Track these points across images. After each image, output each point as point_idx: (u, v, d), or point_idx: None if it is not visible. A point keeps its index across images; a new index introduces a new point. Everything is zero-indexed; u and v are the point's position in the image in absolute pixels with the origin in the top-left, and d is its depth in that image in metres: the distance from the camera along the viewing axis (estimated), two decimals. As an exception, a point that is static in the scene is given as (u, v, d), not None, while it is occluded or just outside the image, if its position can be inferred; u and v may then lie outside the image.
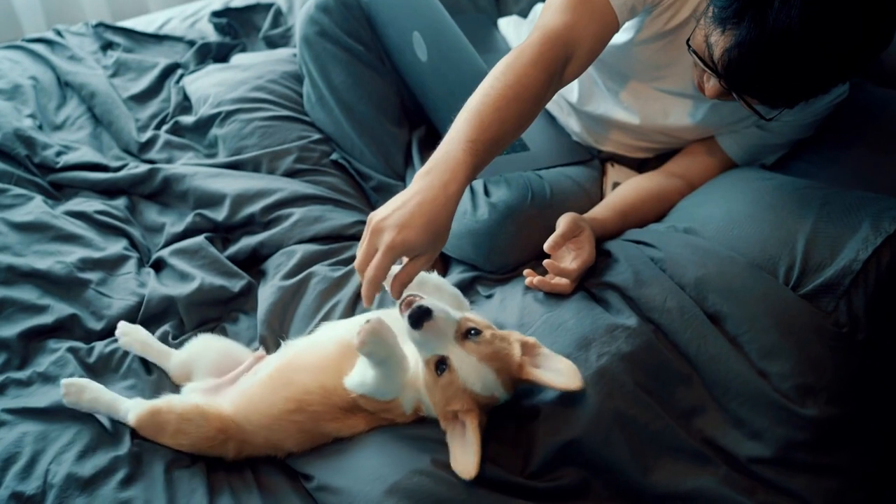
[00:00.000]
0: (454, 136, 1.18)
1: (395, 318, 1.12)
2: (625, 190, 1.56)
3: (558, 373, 1.13)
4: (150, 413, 1.18)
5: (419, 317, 1.07)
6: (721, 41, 1.17)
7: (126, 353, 1.36)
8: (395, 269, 1.14)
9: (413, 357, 1.15)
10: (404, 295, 1.11)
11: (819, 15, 1.07)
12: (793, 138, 1.51)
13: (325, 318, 1.41)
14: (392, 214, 1.09)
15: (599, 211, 1.49)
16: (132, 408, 1.19)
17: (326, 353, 1.19)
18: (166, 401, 1.21)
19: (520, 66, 1.24)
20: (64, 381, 1.21)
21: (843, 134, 1.50)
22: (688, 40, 1.27)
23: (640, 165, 1.70)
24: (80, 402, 1.20)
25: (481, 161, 1.18)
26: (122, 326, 1.37)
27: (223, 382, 1.26)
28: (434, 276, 1.26)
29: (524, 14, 2.02)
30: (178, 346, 1.38)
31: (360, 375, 1.12)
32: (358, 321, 1.27)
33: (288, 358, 1.23)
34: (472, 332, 1.11)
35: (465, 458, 1.07)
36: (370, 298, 1.10)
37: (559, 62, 1.28)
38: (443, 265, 1.58)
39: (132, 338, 1.35)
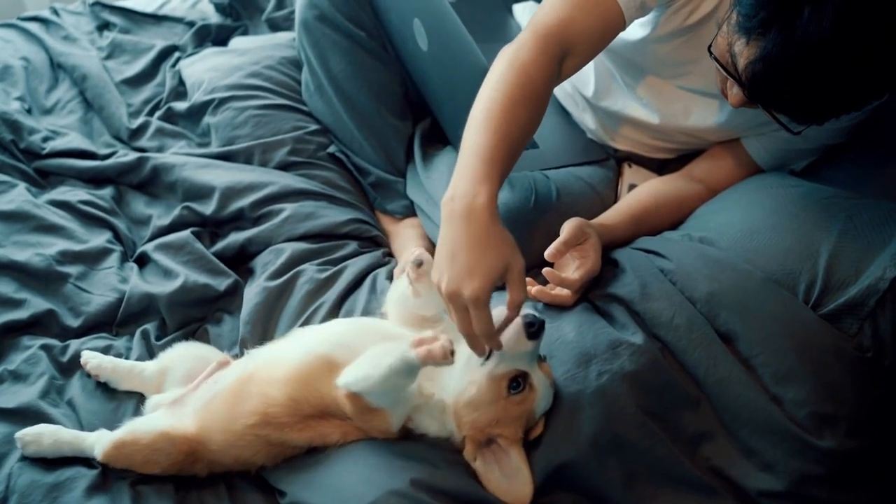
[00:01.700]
0: (468, 148, 1.15)
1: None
2: (640, 193, 1.48)
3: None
4: (115, 447, 1.13)
5: (540, 327, 1.06)
6: (745, 52, 1.08)
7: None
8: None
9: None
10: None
11: (853, 27, 0.98)
12: (825, 143, 1.42)
13: (309, 320, 1.36)
14: (452, 273, 1.04)
15: (610, 216, 1.42)
16: (97, 442, 1.14)
17: (296, 364, 1.13)
18: (130, 431, 1.14)
19: (520, 66, 1.20)
20: (18, 435, 1.14)
21: (879, 141, 1.40)
22: (710, 47, 1.18)
23: (660, 167, 1.61)
24: (43, 449, 1.14)
25: (501, 166, 1.14)
26: (86, 355, 1.29)
27: (187, 392, 1.21)
28: None
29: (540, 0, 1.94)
30: (161, 347, 1.33)
31: (362, 371, 1.04)
32: (328, 328, 1.22)
33: (250, 370, 1.17)
34: (544, 356, 1.10)
35: (514, 485, 1.07)
36: (499, 345, 1.07)
37: (556, 60, 1.24)
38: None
39: (99, 360, 1.28)
